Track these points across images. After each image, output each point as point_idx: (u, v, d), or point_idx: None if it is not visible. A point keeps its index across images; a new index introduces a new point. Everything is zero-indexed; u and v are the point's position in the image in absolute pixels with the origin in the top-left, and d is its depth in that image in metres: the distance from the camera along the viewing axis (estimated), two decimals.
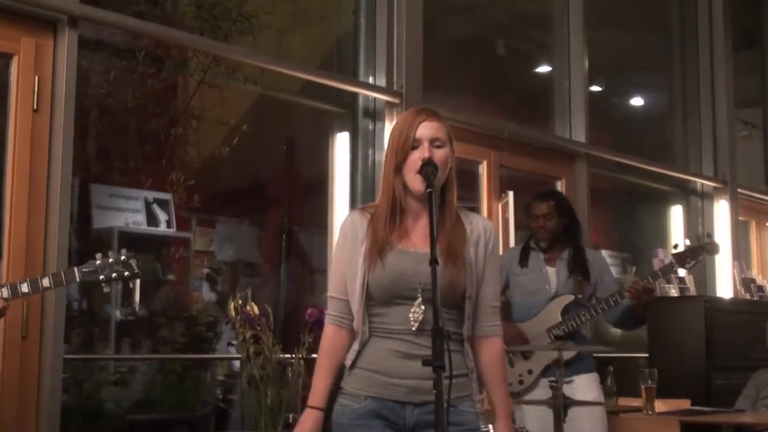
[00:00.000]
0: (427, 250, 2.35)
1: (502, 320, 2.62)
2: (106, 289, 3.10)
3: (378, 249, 2.48)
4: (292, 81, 5.25)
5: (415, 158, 2.49)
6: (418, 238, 2.51)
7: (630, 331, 4.42)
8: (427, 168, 2.44)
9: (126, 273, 3.06)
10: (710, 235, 4.32)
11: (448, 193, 2.55)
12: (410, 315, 2.43)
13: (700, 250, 4.21)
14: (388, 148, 2.57)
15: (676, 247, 4.28)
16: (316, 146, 5.52)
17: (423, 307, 2.42)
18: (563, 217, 4.22)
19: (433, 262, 2.23)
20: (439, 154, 2.50)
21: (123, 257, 3.06)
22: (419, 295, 2.43)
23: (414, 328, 2.42)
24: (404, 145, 2.51)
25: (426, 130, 2.52)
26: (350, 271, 2.52)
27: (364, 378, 2.48)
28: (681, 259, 4.17)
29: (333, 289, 2.59)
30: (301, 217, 5.70)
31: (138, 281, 4.80)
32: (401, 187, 2.51)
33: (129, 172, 5.16)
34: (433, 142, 2.51)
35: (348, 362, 2.51)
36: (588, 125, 6.36)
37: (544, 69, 6.88)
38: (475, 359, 2.54)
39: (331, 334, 2.57)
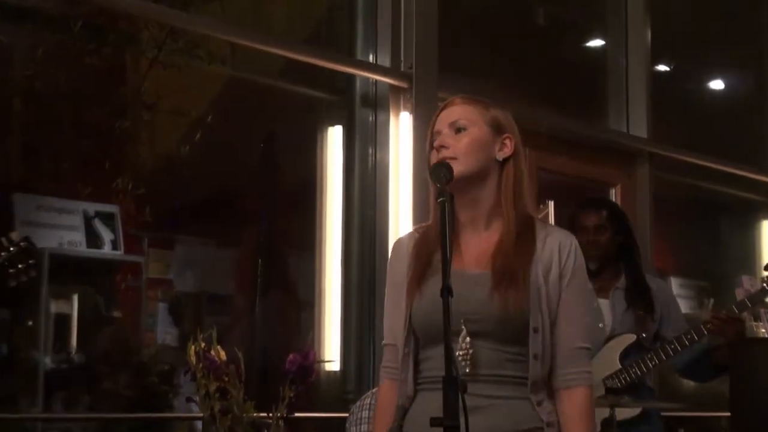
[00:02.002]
0: (478, 270, 2.44)
1: None
2: (12, 283, 3.22)
3: (417, 274, 2.53)
4: (271, 60, 5.27)
5: (432, 157, 2.56)
6: (469, 256, 2.54)
7: (705, 382, 4.40)
8: (437, 171, 2.45)
9: (30, 261, 3.26)
10: None
11: (504, 190, 2.56)
12: (458, 353, 2.42)
13: None
14: None
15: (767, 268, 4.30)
16: (301, 143, 5.55)
17: (469, 340, 2.43)
18: (618, 234, 4.25)
19: (446, 291, 2.23)
20: (462, 140, 2.54)
21: (22, 242, 3.28)
22: (463, 326, 2.44)
23: (467, 371, 2.42)
24: (428, 145, 2.59)
25: (443, 119, 2.58)
26: (397, 309, 2.58)
27: None
28: None
29: (385, 334, 2.66)
30: (284, 236, 5.70)
31: (74, 318, 4.91)
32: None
33: (63, 177, 5.16)
34: (452, 126, 2.55)
35: (394, 423, 2.53)
36: (651, 116, 6.39)
37: (595, 44, 6.91)
38: (558, 414, 2.52)
39: (385, 391, 2.64)
